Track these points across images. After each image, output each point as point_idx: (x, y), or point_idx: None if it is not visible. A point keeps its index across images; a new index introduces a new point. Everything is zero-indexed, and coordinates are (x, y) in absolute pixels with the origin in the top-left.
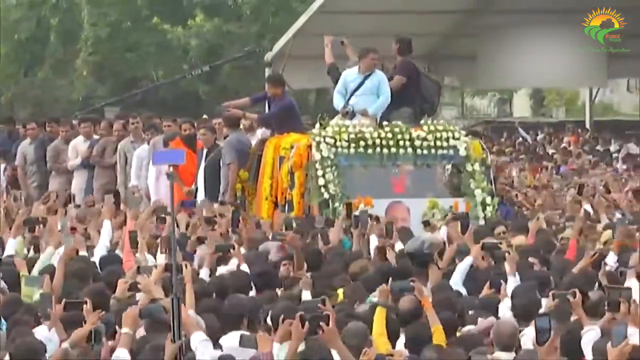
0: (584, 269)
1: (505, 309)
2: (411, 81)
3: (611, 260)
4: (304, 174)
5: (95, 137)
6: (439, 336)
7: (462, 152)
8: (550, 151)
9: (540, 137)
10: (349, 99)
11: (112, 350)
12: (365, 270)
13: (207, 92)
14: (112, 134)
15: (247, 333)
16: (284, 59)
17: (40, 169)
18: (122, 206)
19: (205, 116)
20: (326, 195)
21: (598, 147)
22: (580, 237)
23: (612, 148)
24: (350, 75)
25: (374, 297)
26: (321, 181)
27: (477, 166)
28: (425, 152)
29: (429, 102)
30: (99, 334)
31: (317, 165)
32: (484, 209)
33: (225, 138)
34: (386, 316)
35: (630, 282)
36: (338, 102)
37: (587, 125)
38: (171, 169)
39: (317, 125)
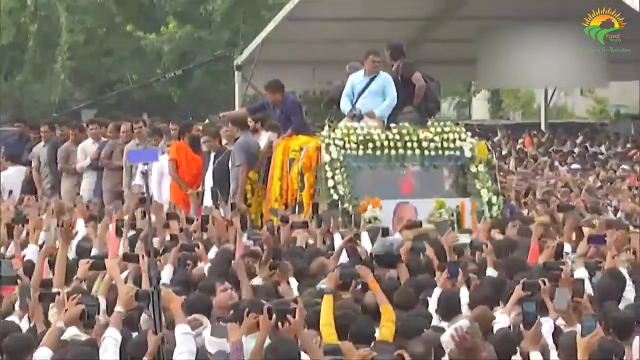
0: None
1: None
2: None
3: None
4: (314, 175)
5: (104, 139)
6: (387, 315)
7: (468, 153)
8: (509, 151)
9: (496, 139)
10: (355, 102)
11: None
12: (324, 267)
13: (179, 95)
14: (119, 136)
15: (219, 323)
16: (253, 64)
17: (52, 170)
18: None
19: (207, 120)
20: (335, 197)
21: (553, 148)
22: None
23: (569, 148)
24: (356, 78)
25: (323, 284)
26: (330, 182)
27: (482, 167)
28: (432, 153)
29: (432, 101)
30: (91, 313)
31: (327, 167)
32: (490, 209)
33: (235, 141)
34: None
35: (580, 270)
36: (345, 106)
37: (543, 127)
38: (146, 167)
39: (326, 127)
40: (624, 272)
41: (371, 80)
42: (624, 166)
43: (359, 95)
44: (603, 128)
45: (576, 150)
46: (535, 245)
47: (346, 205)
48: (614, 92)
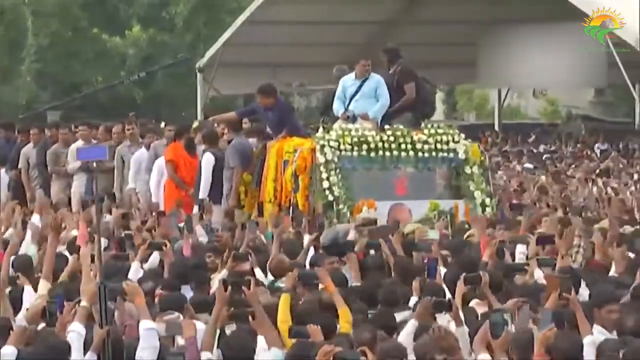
0: (491, 258)
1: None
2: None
3: (520, 249)
4: (308, 177)
5: (94, 141)
6: (345, 317)
7: (462, 155)
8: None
9: None
10: (348, 104)
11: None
12: (282, 264)
13: (142, 97)
14: (110, 138)
15: (174, 320)
16: (214, 67)
17: (41, 172)
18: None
19: (197, 123)
20: (330, 198)
21: (506, 148)
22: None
23: (522, 148)
24: (347, 81)
25: (281, 283)
26: (325, 184)
27: (475, 168)
28: (426, 155)
29: (429, 104)
30: (53, 310)
31: (322, 168)
32: (483, 210)
33: (229, 143)
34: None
35: (536, 272)
36: (338, 108)
37: (496, 128)
38: (95, 164)
39: (321, 129)
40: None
41: (363, 82)
42: (574, 165)
43: (351, 98)
44: (555, 128)
45: (529, 150)
46: (484, 238)
47: (341, 206)
48: (565, 94)
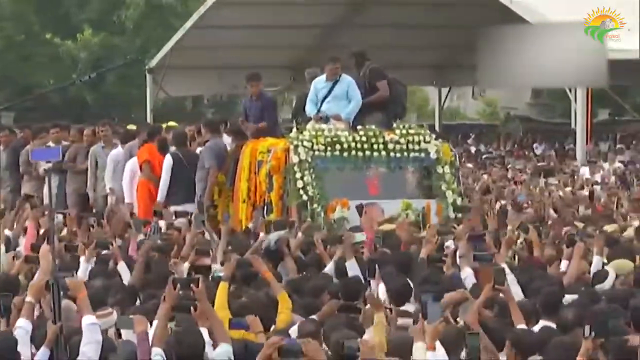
0: (429, 253)
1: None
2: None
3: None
4: (282, 176)
5: (65, 143)
6: (284, 303)
7: (433, 155)
8: None
9: None
10: (320, 106)
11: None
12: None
13: (93, 99)
14: (82, 140)
15: (125, 315)
16: (163, 69)
17: (12, 174)
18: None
19: (166, 125)
20: (304, 197)
21: None
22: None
23: (462, 148)
24: (319, 83)
25: (220, 272)
26: (299, 184)
27: (447, 168)
28: (398, 155)
29: (400, 105)
30: (6, 305)
31: (295, 168)
32: (454, 210)
33: (205, 143)
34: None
35: (465, 270)
36: (310, 110)
37: (437, 128)
38: (49, 165)
39: (294, 129)
40: (505, 266)
41: (334, 84)
42: (515, 166)
43: (323, 100)
44: (494, 129)
45: (467, 150)
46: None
47: (315, 205)
48: (503, 95)
